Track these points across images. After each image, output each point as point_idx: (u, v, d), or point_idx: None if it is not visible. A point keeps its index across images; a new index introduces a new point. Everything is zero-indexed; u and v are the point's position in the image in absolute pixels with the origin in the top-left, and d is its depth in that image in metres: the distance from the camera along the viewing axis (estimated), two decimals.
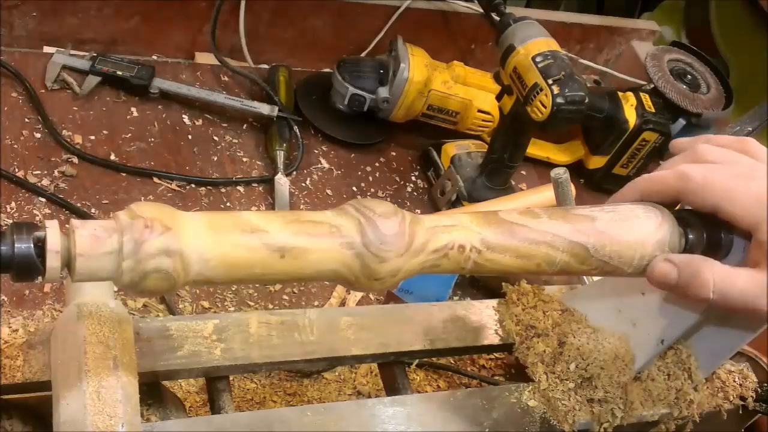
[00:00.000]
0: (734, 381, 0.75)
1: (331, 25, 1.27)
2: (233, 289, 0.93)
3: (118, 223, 0.44)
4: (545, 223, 0.53)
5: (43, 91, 1.04)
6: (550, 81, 0.95)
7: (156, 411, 0.62)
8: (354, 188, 1.12)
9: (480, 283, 1.03)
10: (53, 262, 0.42)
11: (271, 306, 0.93)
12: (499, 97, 1.05)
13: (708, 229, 0.55)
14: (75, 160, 0.99)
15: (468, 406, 0.65)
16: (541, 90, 0.95)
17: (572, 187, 0.86)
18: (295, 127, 1.11)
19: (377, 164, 1.17)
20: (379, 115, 1.15)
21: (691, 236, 0.55)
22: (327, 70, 1.22)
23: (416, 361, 0.86)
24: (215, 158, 1.07)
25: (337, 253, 0.47)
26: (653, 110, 1.19)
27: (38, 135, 1.00)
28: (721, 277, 0.52)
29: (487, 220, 0.52)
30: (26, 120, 1.01)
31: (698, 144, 0.56)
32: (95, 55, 1.07)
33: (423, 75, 1.12)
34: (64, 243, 0.42)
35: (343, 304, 0.97)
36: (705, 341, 0.69)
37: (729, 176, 0.53)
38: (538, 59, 0.97)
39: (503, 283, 0.75)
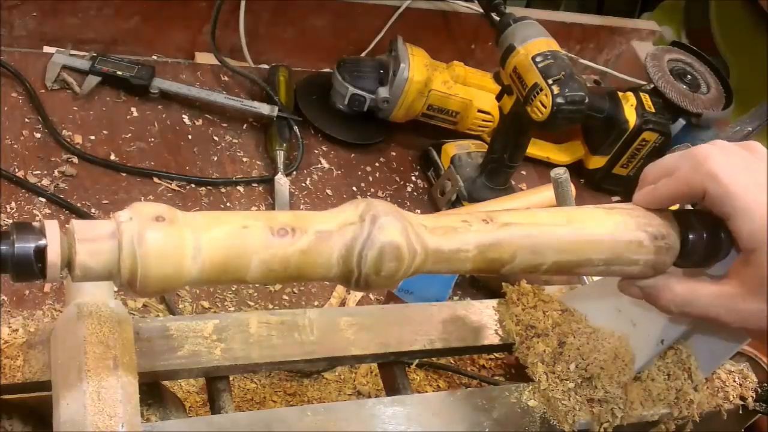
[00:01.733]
0: (734, 381, 0.75)
1: (331, 25, 1.27)
2: (233, 289, 0.93)
3: (121, 252, 0.43)
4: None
5: (43, 91, 1.04)
6: (550, 81, 0.95)
7: (156, 411, 0.62)
8: (354, 188, 1.12)
9: (480, 283, 1.03)
10: (53, 262, 0.42)
11: (271, 306, 0.93)
12: (499, 97, 1.05)
13: (709, 230, 0.55)
14: (75, 160, 0.99)
15: (468, 406, 0.65)
16: (541, 90, 0.95)
17: (572, 187, 0.86)
18: (295, 127, 1.11)
19: (377, 164, 1.17)
20: (379, 115, 1.15)
21: (692, 236, 0.55)
22: (327, 70, 1.22)
23: (416, 361, 0.86)
24: (215, 158, 1.07)
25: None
26: (653, 110, 1.19)
27: (38, 135, 1.00)
28: (682, 298, 0.55)
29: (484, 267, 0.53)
30: (26, 120, 1.01)
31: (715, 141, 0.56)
32: (95, 55, 1.07)
33: (423, 75, 1.12)
34: (64, 243, 0.42)
35: (343, 304, 0.97)
36: (705, 341, 0.69)
37: (750, 187, 0.52)
38: (538, 59, 0.97)
39: (503, 283, 0.75)
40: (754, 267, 0.51)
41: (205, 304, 0.90)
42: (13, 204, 0.91)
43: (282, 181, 1.05)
